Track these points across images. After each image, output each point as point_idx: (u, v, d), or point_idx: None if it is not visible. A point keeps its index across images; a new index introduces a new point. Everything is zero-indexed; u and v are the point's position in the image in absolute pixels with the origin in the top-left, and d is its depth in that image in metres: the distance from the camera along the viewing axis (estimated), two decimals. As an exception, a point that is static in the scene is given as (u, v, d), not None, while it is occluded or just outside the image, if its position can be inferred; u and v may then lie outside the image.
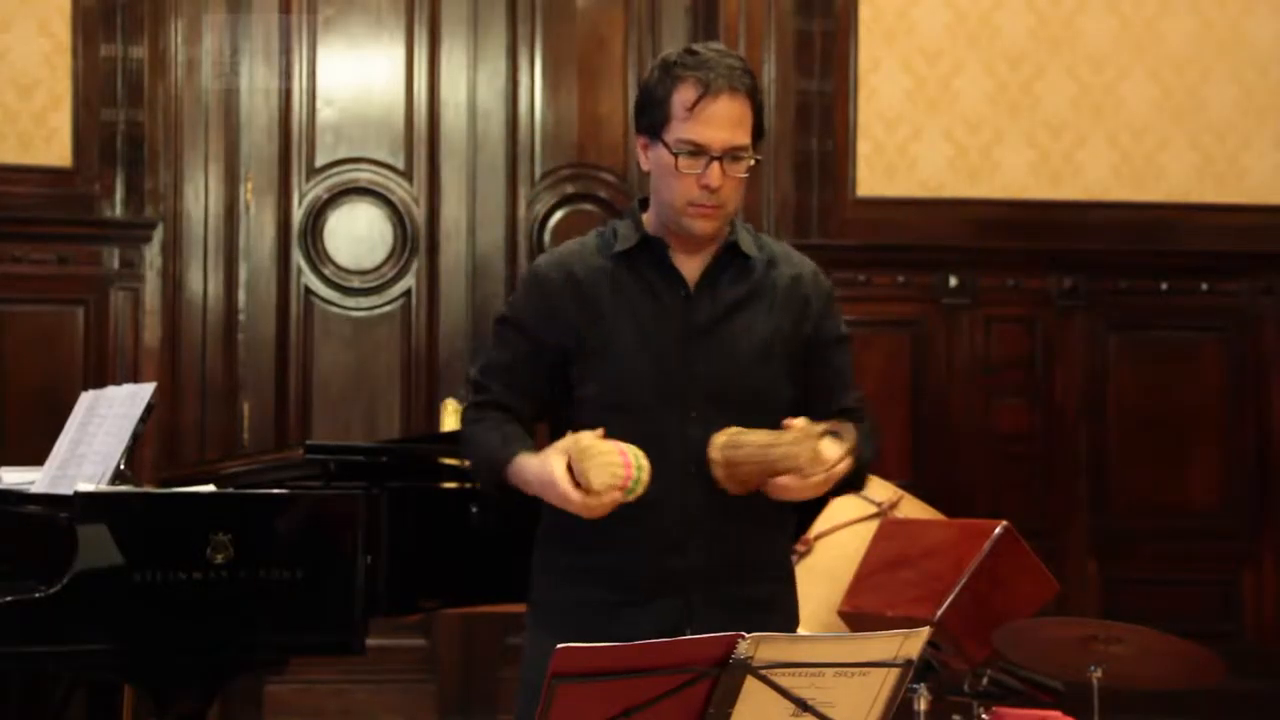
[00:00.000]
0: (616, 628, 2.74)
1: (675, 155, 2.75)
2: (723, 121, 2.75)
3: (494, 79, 6.30)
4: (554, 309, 2.83)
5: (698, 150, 2.74)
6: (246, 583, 3.51)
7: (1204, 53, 6.44)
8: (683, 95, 2.75)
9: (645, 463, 2.65)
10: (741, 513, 2.80)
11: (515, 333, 2.88)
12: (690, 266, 2.84)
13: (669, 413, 2.79)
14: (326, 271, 6.21)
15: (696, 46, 2.84)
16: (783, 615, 2.92)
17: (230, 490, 3.74)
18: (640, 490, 2.66)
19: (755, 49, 6.24)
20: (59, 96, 5.96)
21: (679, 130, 2.75)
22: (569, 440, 2.69)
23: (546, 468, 2.69)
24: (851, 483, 2.82)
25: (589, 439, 2.66)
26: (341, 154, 6.25)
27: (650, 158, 2.81)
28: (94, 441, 3.73)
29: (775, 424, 2.74)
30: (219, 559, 3.48)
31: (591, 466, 2.63)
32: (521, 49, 6.32)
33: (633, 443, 2.70)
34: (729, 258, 2.85)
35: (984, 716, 3.71)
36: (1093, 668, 3.53)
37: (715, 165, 2.74)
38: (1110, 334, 6.39)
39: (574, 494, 2.65)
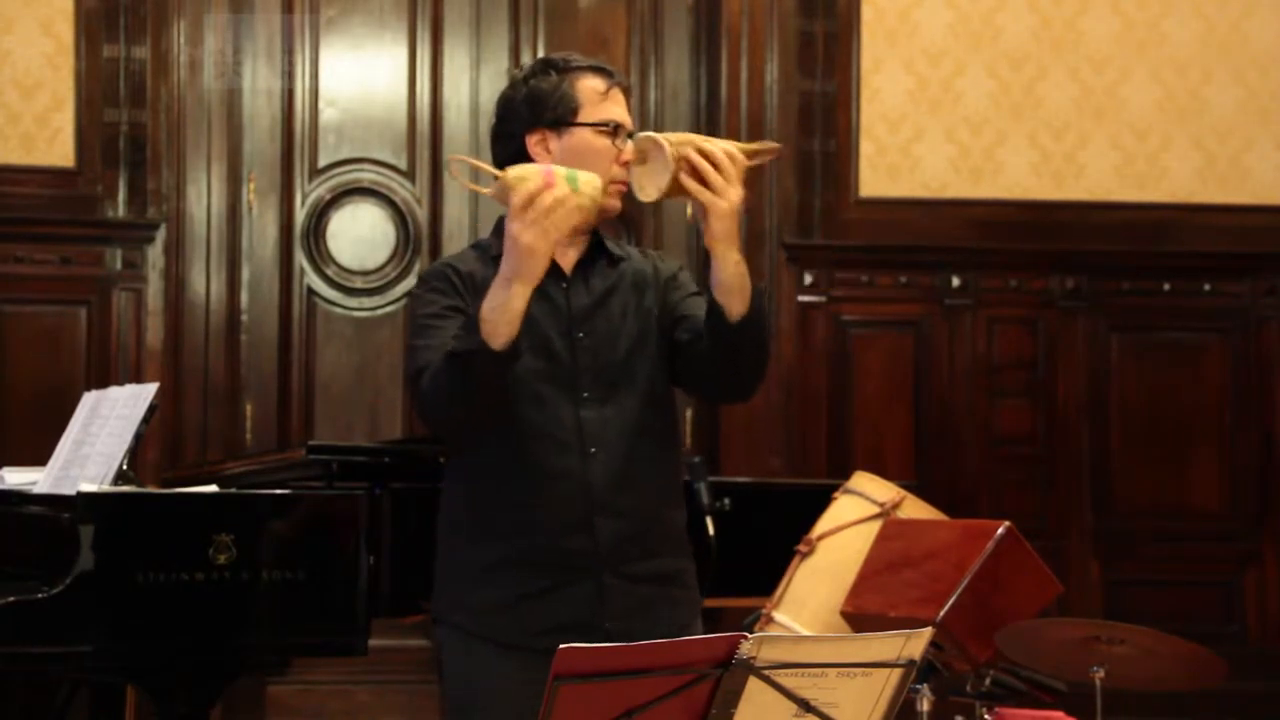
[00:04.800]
0: (531, 619, 2.82)
1: (607, 135, 2.89)
2: (625, 106, 2.96)
3: (496, 79, 6.29)
4: (458, 290, 2.89)
5: (617, 129, 2.91)
6: (249, 583, 3.51)
7: (1206, 54, 6.44)
8: (591, 84, 2.93)
9: (580, 173, 2.68)
10: (645, 488, 2.89)
11: (441, 316, 2.86)
12: (564, 260, 2.94)
13: (562, 397, 2.87)
14: (329, 272, 6.22)
15: (559, 54, 3.03)
16: (691, 590, 3.01)
17: (233, 491, 3.75)
18: (585, 185, 2.66)
19: (758, 49, 6.24)
20: (62, 97, 5.97)
21: (598, 113, 2.91)
22: None
23: (505, 254, 2.69)
24: (756, 316, 2.80)
25: None
26: (344, 154, 6.26)
27: (557, 148, 2.90)
28: (96, 442, 3.73)
29: (660, 405, 2.92)
30: (221, 559, 3.49)
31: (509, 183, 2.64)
32: (524, 49, 6.32)
33: (532, 430, 2.83)
34: (596, 252, 2.98)
35: (986, 717, 3.71)
36: (1095, 668, 3.53)
37: (630, 142, 2.89)
38: (1112, 335, 6.39)
39: (514, 225, 2.64)
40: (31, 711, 4.24)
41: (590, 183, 2.68)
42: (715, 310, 2.78)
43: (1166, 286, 6.40)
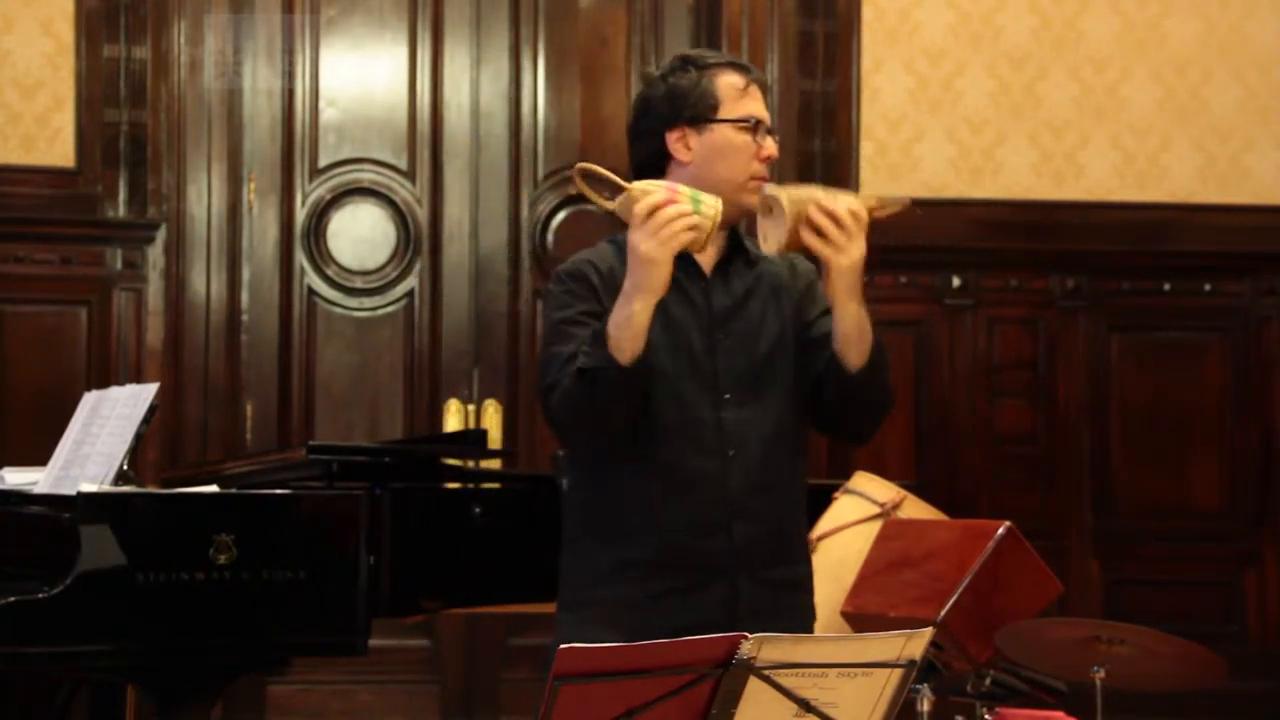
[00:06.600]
0: (665, 618, 2.77)
1: (748, 131, 2.90)
2: (763, 101, 2.96)
3: (497, 79, 6.30)
4: (596, 292, 2.87)
5: (757, 125, 2.92)
6: (249, 583, 3.51)
7: (1206, 53, 6.44)
8: (730, 80, 2.94)
9: (704, 194, 2.71)
10: (779, 492, 2.89)
11: (576, 321, 2.84)
12: (704, 260, 2.93)
13: (703, 398, 2.86)
14: (329, 272, 6.22)
15: (697, 51, 3.06)
16: (810, 596, 3.02)
17: (233, 491, 3.75)
18: (706, 207, 2.69)
19: (758, 49, 6.24)
20: (62, 97, 5.96)
21: (738, 110, 2.92)
22: None
23: (628, 266, 2.71)
24: (876, 363, 2.83)
25: None
26: (344, 154, 6.25)
27: (698, 145, 2.91)
28: (97, 442, 3.73)
29: (795, 410, 2.91)
30: (222, 560, 3.49)
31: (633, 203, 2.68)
32: (524, 49, 6.32)
33: (671, 429, 2.82)
34: (733, 251, 2.96)
35: (987, 717, 3.71)
36: (1096, 668, 3.54)
37: (770, 138, 2.93)
38: (1113, 335, 6.39)
39: (634, 235, 2.67)
40: (31, 711, 4.24)
41: (712, 205, 2.70)
42: (834, 357, 2.81)
43: (1166, 286, 6.40)
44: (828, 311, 2.96)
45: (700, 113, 2.91)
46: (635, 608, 2.82)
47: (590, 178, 2.78)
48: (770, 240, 2.78)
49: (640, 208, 2.66)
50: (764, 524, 2.87)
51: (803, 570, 2.99)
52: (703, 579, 2.83)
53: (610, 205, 2.75)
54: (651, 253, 2.65)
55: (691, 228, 2.67)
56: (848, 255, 2.75)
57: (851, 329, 2.80)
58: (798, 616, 2.95)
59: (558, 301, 2.89)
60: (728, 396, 2.87)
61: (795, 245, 2.75)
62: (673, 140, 2.92)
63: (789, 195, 2.75)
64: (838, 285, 2.78)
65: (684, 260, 2.84)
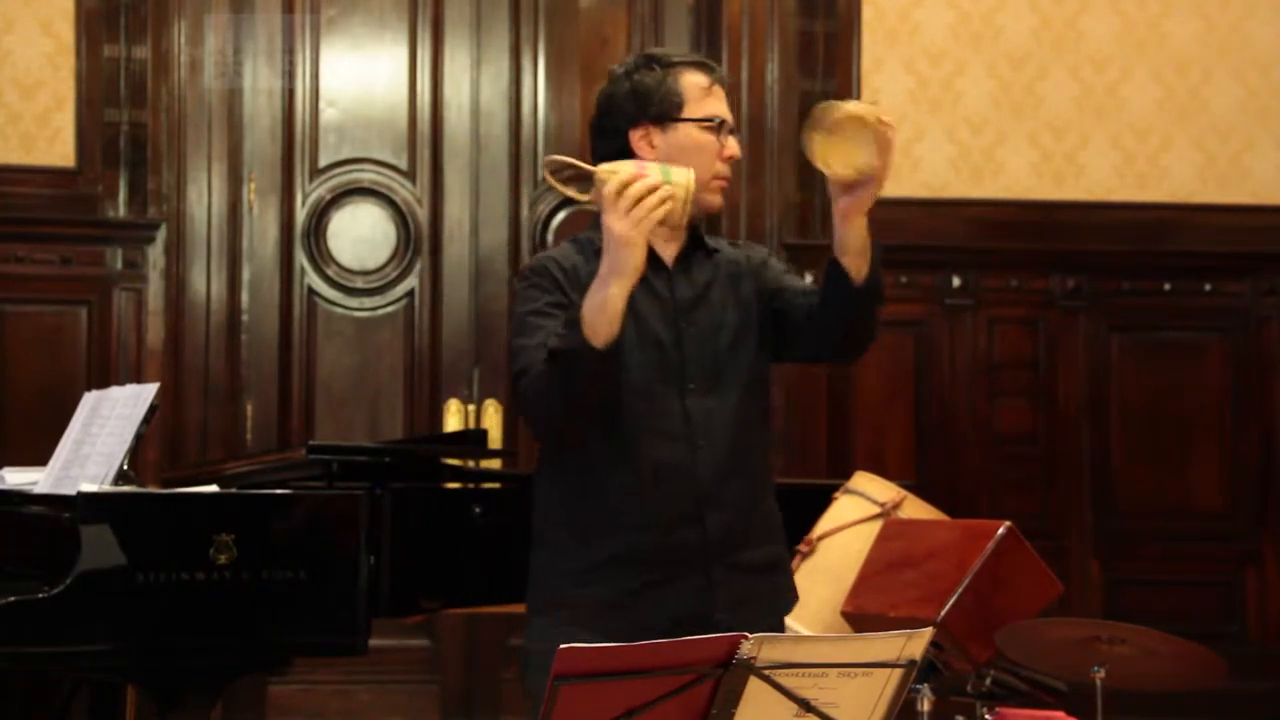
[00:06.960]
0: (642, 614, 2.79)
1: (712, 131, 2.92)
2: (725, 101, 2.98)
3: (497, 79, 6.30)
4: (560, 286, 2.88)
5: (721, 125, 2.94)
6: (249, 583, 3.51)
7: (1207, 53, 6.44)
8: (695, 79, 2.95)
9: (673, 168, 2.70)
10: (748, 478, 2.91)
11: (543, 313, 2.85)
12: (666, 254, 2.96)
13: (669, 389, 2.87)
14: (329, 272, 6.22)
15: (660, 49, 3.11)
16: (787, 576, 3.04)
17: (233, 491, 3.74)
18: (678, 175, 2.67)
19: (758, 49, 6.24)
20: (62, 97, 5.97)
21: (703, 109, 2.93)
22: None
23: (603, 250, 2.70)
24: (873, 284, 2.84)
25: None
26: (344, 154, 6.26)
27: (662, 143, 2.92)
28: (97, 442, 3.73)
29: (759, 395, 2.95)
30: (222, 559, 3.49)
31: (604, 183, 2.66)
32: (524, 49, 6.32)
33: (639, 421, 2.82)
34: (693, 245, 2.99)
35: (987, 717, 3.71)
36: (1096, 668, 3.54)
37: (732, 137, 2.95)
38: (1113, 335, 6.39)
39: (608, 217, 2.64)
40: (31, 711, 4.24)
41: (683, 175, 2.69)
42: (840, 275, 2.80)
43: (1166, 286, 6.40)
44: (787, 272, 3.04)
45: (665, 111, 2.92)
46: (612, 606, 2.83)
47: (559, 172, 2.77)
48: (850, 164, 2.71)
49: (610, 188, 2.64)
50: (735, 511, 2.88)
51: (775, 551, 2.99)
52: (678, 571, 2.84)
53: (586, 197, 2.74)
54: (626, 233, 2.64)
55: (664, 200, 2.65)
56: (888, 170, 2.75)
57: (864, 240, 2.79)
58: (776, 598, 2.96)
59: (523, 297, 2.90)
60: (692, 386, 2.88)
61: (872, 168, 2.71)
62: (636, 138, 2.92)
63: (864, 115, 2.69)
64: (866, 200, 2.75)
65: (649, 257, 2.83)
